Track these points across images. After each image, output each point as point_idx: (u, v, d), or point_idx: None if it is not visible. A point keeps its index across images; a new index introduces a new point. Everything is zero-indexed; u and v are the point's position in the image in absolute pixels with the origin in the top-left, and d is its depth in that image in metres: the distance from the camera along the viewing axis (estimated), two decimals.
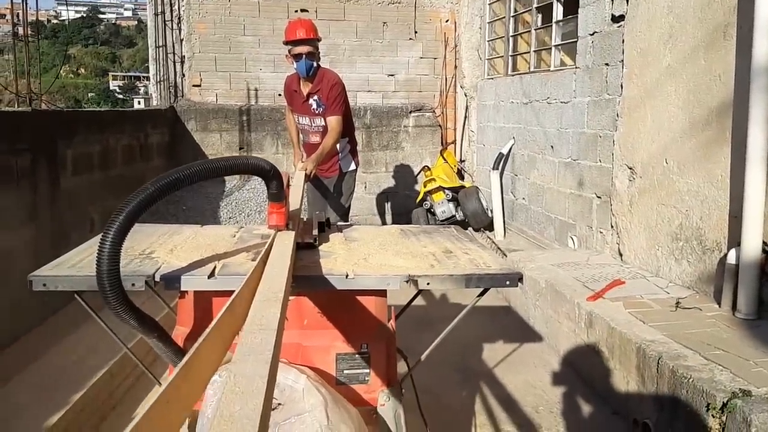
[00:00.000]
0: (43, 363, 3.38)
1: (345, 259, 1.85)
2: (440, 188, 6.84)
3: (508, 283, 1.73)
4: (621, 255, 4.62)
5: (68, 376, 3.17)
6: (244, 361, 0.88)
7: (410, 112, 7.96)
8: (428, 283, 1.71)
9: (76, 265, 1.78)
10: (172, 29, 7.37)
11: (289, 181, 2.11)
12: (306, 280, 1.67)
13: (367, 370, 1.80)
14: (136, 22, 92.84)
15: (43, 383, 3.11)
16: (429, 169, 7.26)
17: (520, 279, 1.74)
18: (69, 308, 3.93)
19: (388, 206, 7.90)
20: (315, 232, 2.08)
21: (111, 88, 72.66)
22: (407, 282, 1.69)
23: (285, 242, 1.66)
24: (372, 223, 7.71)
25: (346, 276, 1.68)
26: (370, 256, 1.88)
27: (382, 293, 1.84)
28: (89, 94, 67.94)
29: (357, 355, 1.79)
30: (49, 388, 3.05)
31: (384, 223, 7.82)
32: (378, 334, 1.83)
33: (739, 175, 3.38)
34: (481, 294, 1.87)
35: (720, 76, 3.61)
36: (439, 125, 8.12)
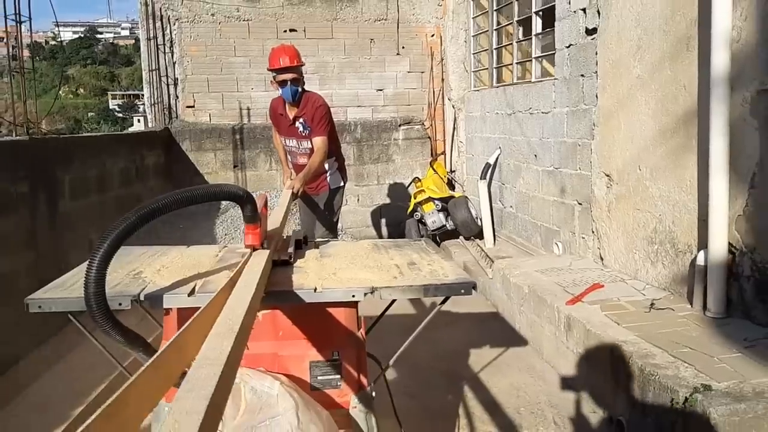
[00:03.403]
0: (46, 381, 3.54)
1: (316, 274, 2.01)
2: (430, 199, 6.99)
3: (462, 291, 1.89)
4: (602, 259, 4.77)
5: (69, 394, 3.33)
6: (184, 398, 0.91)
7: (400, 126, 8.15)
8: (390, 294, 1.87)
9: (69, 287, 1.94)
10: (164, 53, 7.58)
11: (266, 202, 2.27)
12: (278, 294, 1.83)
13: (339, 376, 1.95)
14: (133, 41, 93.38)
15: (45, 401, 3.27)
16: (419, 180, 7.43)
17: (474, 287, 1.90)
18: (69, 328, 4.09)
19: (380, 218, 8.06)
20: (291, 249, 2.25)
21: (110, 107, 73.06)
22: (371, 293, 1.85)
23: (258, 261, 1.82)
24: (366, 234, 7.88)
25: (315, 290, 1.84)
26: (340, 271, 2.04)
27: (352, 305, 2.00)
28: (89, 114, 68.30)
29: (329, 363, 1.95)
30: (52, 406, 3.20)
31: (379, 234, 7.98)
32: (348, 342, 1.99)
33: (705, 181, 3.52)
34: (443, 302, 2.03)
35: (685, 86, 3.77)
36: (429, 137, 8.31)
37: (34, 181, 4.27)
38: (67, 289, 1.92)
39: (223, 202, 7.28)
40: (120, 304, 1.76)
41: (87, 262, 1.53)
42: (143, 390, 0.98)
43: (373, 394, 2.01)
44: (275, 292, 1.82)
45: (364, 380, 2.00)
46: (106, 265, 1.52)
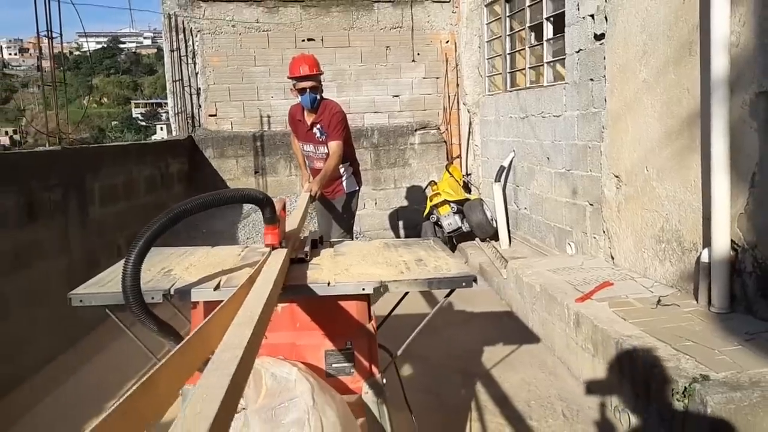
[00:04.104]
0: (81, 377, 3.76)
1: (329, 270, 2.18)
2: (446, 201, 7.14)
3: (464, 284, 2.05)
4: (613, 258, 4.89)
5: (103, 388, 3.54)
6: (210, 375, 1.06)
7: (416, 130, 8.32)
8: (397, 287, 2.04)
9: (107, 284, 2.13)
10: (187, 63, 7.84)
11: (284, 205, 2.45)
12: (295, 288, 2.01)
13: (352, 364, 2.12)
14: (155, 50, 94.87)
15: (81, 394, 3.48)
16: (435, 183, 7.58)
17: (474, 280, 2.06)
18: (101, 328, 4.32)
19: (398, 221, 8.23)
20: (307, 248, 2.42)
21: (134, 115, 74.25)
22: (380, 287, 2.02)
23: (277, 259, 2.00)
24: (384, 236, 8.05)
25: (328, 284, 2.02)
26: (352, 267, 2.22)
27: (363, 298, 2.17)
28: (113, 123, 69.51)
29: (342, 352, 2.12)
30: (87, 398, 3.41)
31: (396, 236, 8.14)
32: (360, 332, 2.15)
33: (708, 181, 3.63)
34: (448, 294, 2.20)
35: (688, 89, 3.89)
36: (444, 141, 8.46)
37: (67, 188, 4.51)
38: (104, 285, 2.12)
39: (245, 208, 7.50)
40: (153, 298, 1.95)
41: (124, 260, 1.72)
42: (172, 372, 1.13)
43: (384, 381, 2.18)
44: (292, 287, 2.00)
45: (374, 368, 2.16)
46: (141, 262, 1.71)
